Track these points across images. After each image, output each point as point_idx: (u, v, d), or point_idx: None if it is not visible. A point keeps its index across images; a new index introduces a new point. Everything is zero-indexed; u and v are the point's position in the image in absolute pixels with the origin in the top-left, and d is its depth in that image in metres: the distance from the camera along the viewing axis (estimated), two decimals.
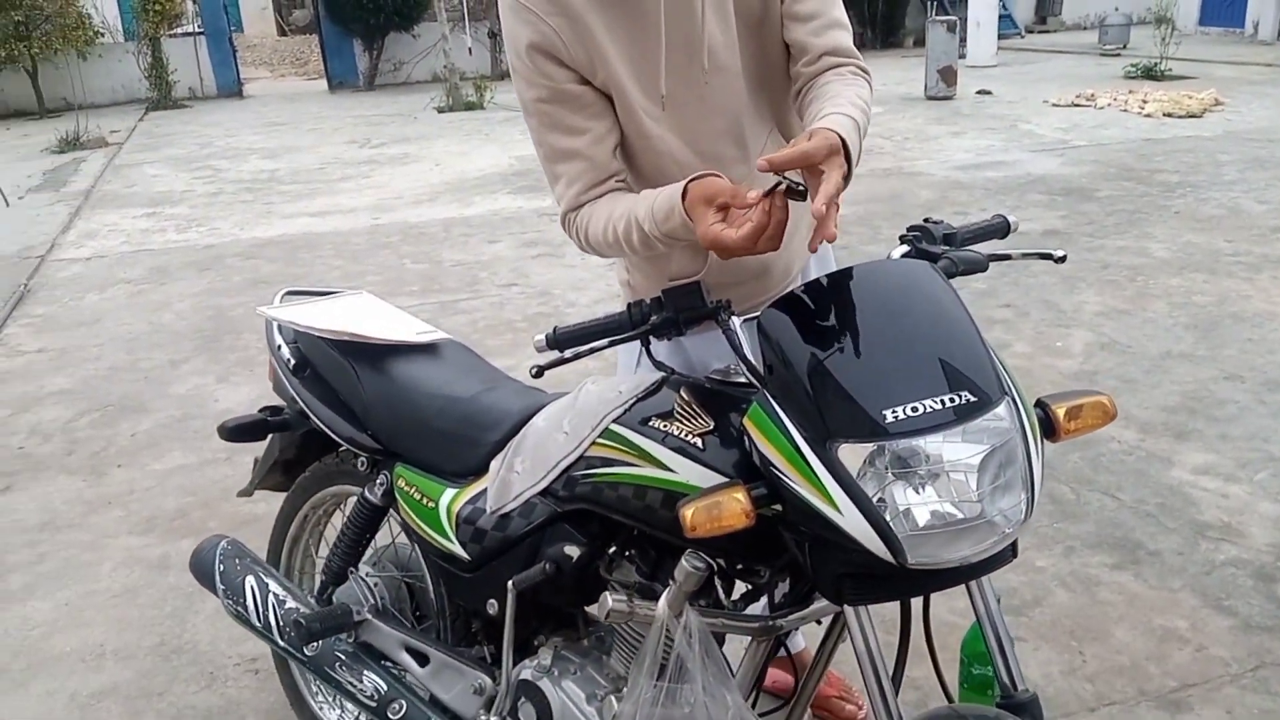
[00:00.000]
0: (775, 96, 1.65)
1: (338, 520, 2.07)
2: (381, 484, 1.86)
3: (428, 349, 1.93)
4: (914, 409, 1.12)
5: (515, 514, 1.60)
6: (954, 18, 12.43)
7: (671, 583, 1.33)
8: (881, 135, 9.29)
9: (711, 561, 1.31)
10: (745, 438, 1.27)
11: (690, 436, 1.40)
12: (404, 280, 5.60)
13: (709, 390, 1.44)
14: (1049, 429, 1.28)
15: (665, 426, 1.42)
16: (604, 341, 1.39)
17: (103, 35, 16.53)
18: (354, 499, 1.96)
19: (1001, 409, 1.17)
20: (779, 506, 1.22)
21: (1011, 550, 1.22)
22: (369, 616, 1.80)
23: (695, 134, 1.59)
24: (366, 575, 2.00)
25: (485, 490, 1.65)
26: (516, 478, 1.62)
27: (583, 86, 1.52)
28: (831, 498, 1.14)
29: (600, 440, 1.50)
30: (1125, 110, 10.21)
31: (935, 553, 1.13)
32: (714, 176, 1.35)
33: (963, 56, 13.28)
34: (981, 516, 1.13)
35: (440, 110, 13.39)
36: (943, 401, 1.13)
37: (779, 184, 1.26)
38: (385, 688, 1.76)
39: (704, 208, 1.32)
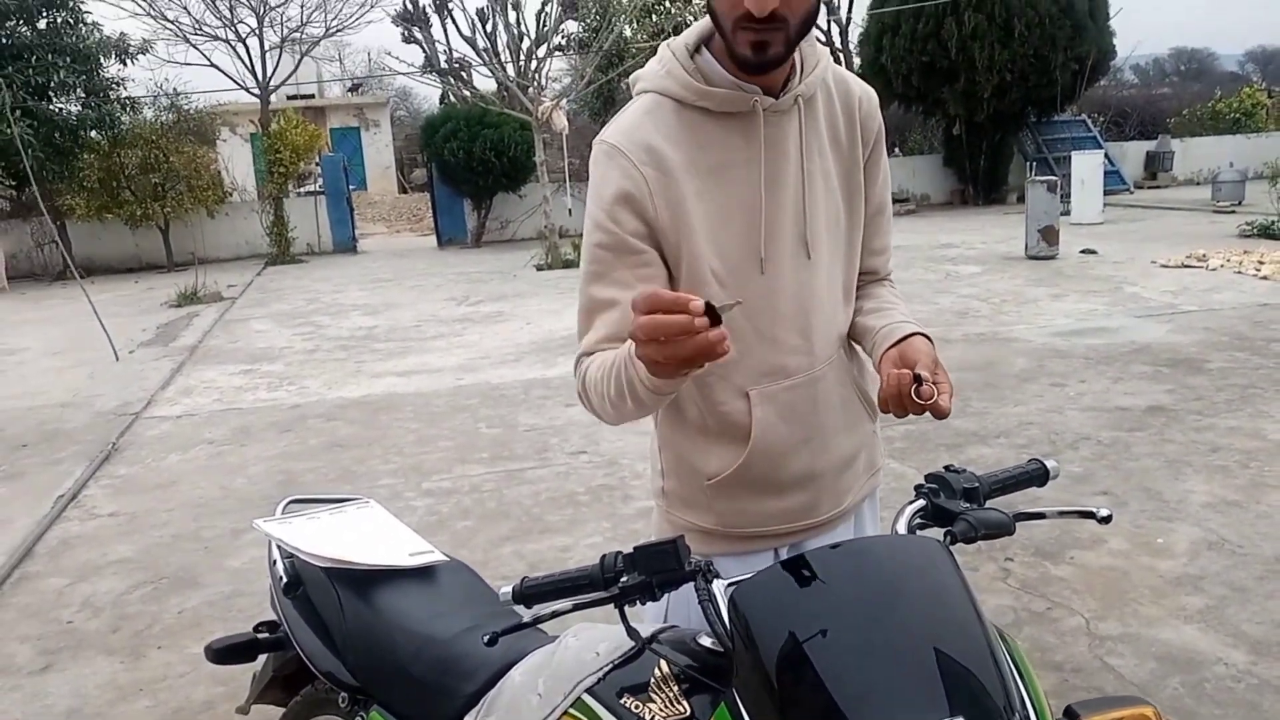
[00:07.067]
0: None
1: None
2: None
3: (420, 574, 1.80)
4: None
5: None
6: (1055, 177, 12.23)
7: None
8: (978, 297, 9.05)
9: None
10: None
11: None
12: (475, 446, 5.54)
13: (690, 663, 1.26)
14: None
15: (639, 707, 1.24)
16: (569, 604, 1.23)
17: (232, 195, 17.67)
18: None
19: None
20: None
21: None
22: None
23: (765, 313, 1.49)
24: None
25: None
26: None
27: (648, 246, 1.44)
28: None
29: (572, 712, 1.32)
30: (1240, 272, 9.78)
31: None
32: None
33: (1066, 214, 13.05)
34: None
35: (539, 268, 13.74)
36: None
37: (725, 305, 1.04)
38: None
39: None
